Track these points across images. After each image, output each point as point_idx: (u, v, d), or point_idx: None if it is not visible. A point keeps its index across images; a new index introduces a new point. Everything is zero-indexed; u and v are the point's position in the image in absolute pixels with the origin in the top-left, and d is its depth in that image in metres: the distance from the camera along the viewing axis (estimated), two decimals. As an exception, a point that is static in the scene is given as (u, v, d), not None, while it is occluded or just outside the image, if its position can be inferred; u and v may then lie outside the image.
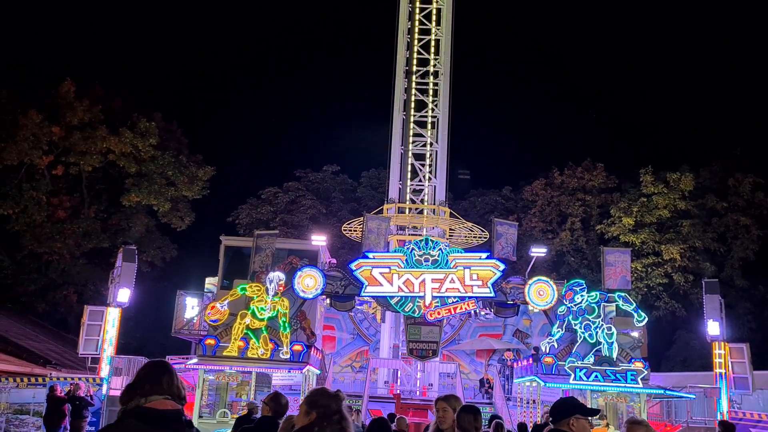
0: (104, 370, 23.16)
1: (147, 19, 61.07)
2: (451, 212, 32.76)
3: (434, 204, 32.24)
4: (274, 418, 7.17)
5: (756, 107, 50.78)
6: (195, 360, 20.04)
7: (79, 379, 21.83)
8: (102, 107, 38.67)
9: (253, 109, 67.91)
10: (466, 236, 34.03)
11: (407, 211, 32.04)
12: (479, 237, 33.76)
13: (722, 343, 24.10)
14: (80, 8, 49.98)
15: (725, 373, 23.63)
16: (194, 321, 31.87)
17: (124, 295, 24.11)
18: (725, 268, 41.98)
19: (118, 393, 22.49)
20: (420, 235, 31.59)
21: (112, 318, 23.84)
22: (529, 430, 15.90)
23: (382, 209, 32.24)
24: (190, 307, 33.03)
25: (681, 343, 42.59)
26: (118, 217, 41.27)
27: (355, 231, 34.15)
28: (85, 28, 50.64)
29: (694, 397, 22.50)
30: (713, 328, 24.28)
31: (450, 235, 33.04)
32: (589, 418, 5.11)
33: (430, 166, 33.12)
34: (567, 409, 4.98)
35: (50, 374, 23.72)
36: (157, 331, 39.99)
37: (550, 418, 5.20)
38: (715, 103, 54.36)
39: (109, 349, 23.49)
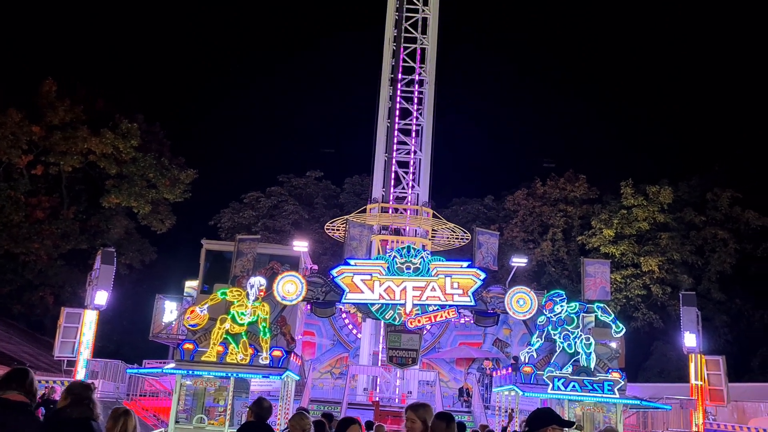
0: (80, 373, 22.88)
1: (131, 20, 60.71)
2: (433, 213, 32.87)
3: (417, 205, 32.44)
4: (258, 422, 7.31)
5: (736, 124, 51.56)
6: (172, 365, 19.83)
7: (54, 382, 21.53)
8: (84, 107, 38.36)
9: (237, 113, 67.65)
10: (448, 237, 34.22)
11: (390, 211, 32.16)
12: (461, 238, 34.00)
13: (699, 356, 24.34)
14: (63, 7, 49.58)
15: (701, 385, 23.87)
16: (173, 325, 31.59)
17: (102, 297, 23.86)
18: (702, 280, 42.47)
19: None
20: (403, 235, 31.70)
21: (89, 320, 23.57)
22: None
23: (365, 209, 32.37)
24: (168, 311, 32.73)
25: (658, 354, 42.97)
26: (97, 219, 40.88)
27: (337, 230, 34.22)
28: (68, 28, 50.18)
29: (670, 408, 22.69)
30: (690, 340, 24.52)
31: (432, 236, 33.27)
32: (565, 429, 5.13)
33: (414, 173, 33.24)
34: (544, 418, 5.00)
35: (24, 377, 23.37)
36: (135, 334, 39.57)
37: (526, 428, 5.19)
38: (696, 119, 55.10)
39: (85, 352, 23.21)
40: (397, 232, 32.43)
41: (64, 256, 39.54)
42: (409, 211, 32.17)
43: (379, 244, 31.46)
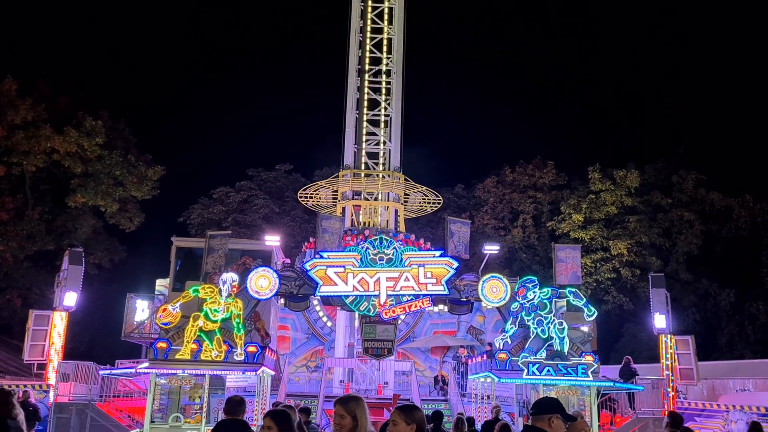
0: (51, 376, 22.51)
1: (93, 16, 59.54)
2: (405, 177, 33.05)
3: (389, 170, 32.79)
4: (231, 419, 7.52)
5: (699, 107, 52.45)
6: (146, 364, 19.62)
7: (25, 386, 21.19)
8: (46, 106, 37.56)
9: (204, 108, 66.92)
10: (420, 202, 34.45)
11: (363, 176, 32.40)
12: (433, 202, 34.28)
13: (668, 336, 24.80)
14: (21, 5, 48.44)
15: (672, 364, 24.34)
16: (145, 324, 31.25)
17: (71, 298, 23.46)
18: (670, 262, 43.21)
19: (66, 399, 21.94)
20: (375, 200, 32.06)
21: (59, 322, 23.18)
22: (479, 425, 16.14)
23: (338, 175, 32.62)
24: (140, 309, 32.36)
25: (629, 335, 43.71)
26: (63, 219, 40.12)
27: (311, 198, 34.32)
28: (28, 26, 49.06)
29: (642, 388, 23.09)
30: (660, 321, 24.96)
31: (405, 201, 33.59)
32: (567, 423, 5.25)
33: (384, 164, 33.25)
34: (550, 406, 5.06)
35: (-7, 382, 22.96)
36: (106, 335, 39.06)
37: (532, 411, 5.26)
38: (660, 103, 55.93)
39: (56, 355, 22.82)
40: (369, 194, 32.71)
41: (31, 258, 38.77)
42: (381, 176, 32.39)
43: (352, 209, 32.11)
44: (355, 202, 32.14)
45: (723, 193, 43.57)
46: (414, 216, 35.96)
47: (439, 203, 34.37)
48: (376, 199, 32.45)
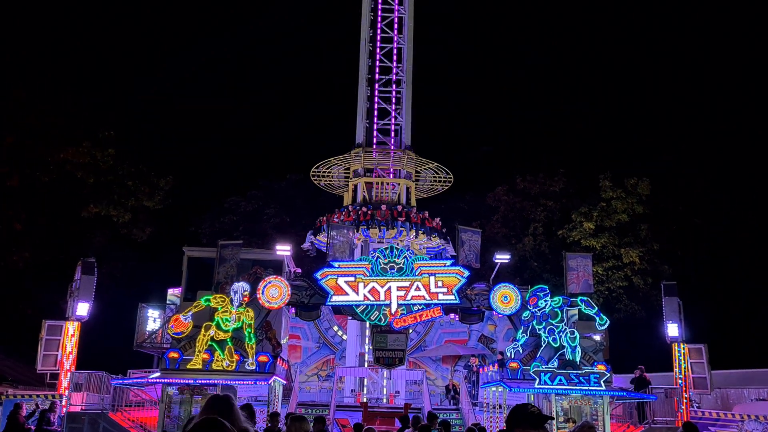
0: (64, 385, 22.62)
1: (100, 23, 60.06)
2: (416, 155, 33.07)
3: (401, 147, 33.03)
4: None
5: (709, 110, 52.20)
6: (158, 373, 19.71)
7: (37, 396, 21.34)
8: (58, 115, 37.89)
9: (215, 117, 67.23)
10: (431, 181, 34.40)
11: (374, 154, 32.62)
12: (444, 181, 34.19)
13: (681, 344, 24.65)
14: (31, 16, 48.94)
15: (685, 373, 24.17)
16: (156, 334, 31.36)
17: (84, 308, 23.62)
18: (682, 269, 42.92)
19: (78, 409, 22.05)
20: (386, 178, 32.38)
21: (72, 332, 23.32)
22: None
23: (350, 154, 32.86)
24: (151, 319, 32.51)
25: (641, 344, 43.34)
26: (76, 229, 40.37)
27: (324, 178, 34.36)
28: (36, 35, 49.53)
29: (656, 398, 22.94)
30: (672, 329, 24.85)
31: (416, 179, 33.65)
32: (548, 423, 5.06)
33: (394, 173, 33.31)
34: (513, 420, 4.92)
35: (6, 392, 23.12)
36: (118, 344, 39.12)
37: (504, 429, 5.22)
38: (670, 109, 55.72)
39: (68, 365, 22.95)
40: (381, 170, 32.93)
41: (43, 268, 39.01)
42: (392, 153, 32.58)
43: (364, 188, 32.39)
44: (367, 179, 32.31)
45: (733, 198, 43.34)
46: (425, 196, 35.88)
47: (450, 181, 34.27)
48: (387, 176, 32.61)
